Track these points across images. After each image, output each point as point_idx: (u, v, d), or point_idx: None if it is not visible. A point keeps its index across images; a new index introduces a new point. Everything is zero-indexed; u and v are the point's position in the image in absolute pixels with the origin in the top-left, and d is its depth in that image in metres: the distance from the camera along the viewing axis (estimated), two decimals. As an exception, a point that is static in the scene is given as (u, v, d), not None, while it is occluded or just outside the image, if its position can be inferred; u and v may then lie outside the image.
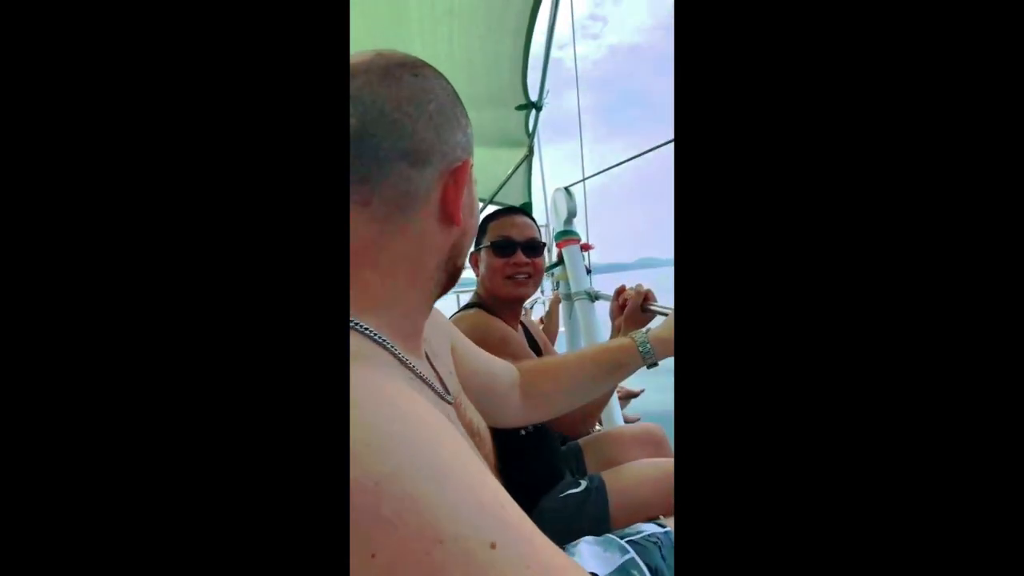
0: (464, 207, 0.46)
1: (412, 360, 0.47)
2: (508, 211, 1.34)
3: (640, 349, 0.78)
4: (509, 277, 1.24)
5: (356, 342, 0.40)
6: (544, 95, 2.17)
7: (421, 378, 0.48)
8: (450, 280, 0.50)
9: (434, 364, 0.56)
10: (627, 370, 0.80)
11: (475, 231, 0.51)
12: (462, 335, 0.74)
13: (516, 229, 1.27)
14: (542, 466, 1.24)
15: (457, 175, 0.44)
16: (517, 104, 2.16)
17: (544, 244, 1.33)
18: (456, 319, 1.23)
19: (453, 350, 0.68)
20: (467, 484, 0.30)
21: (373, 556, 0.26)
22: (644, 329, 0.81)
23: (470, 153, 0.46)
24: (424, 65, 0.44)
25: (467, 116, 0.47)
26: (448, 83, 0.46)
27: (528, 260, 1.25)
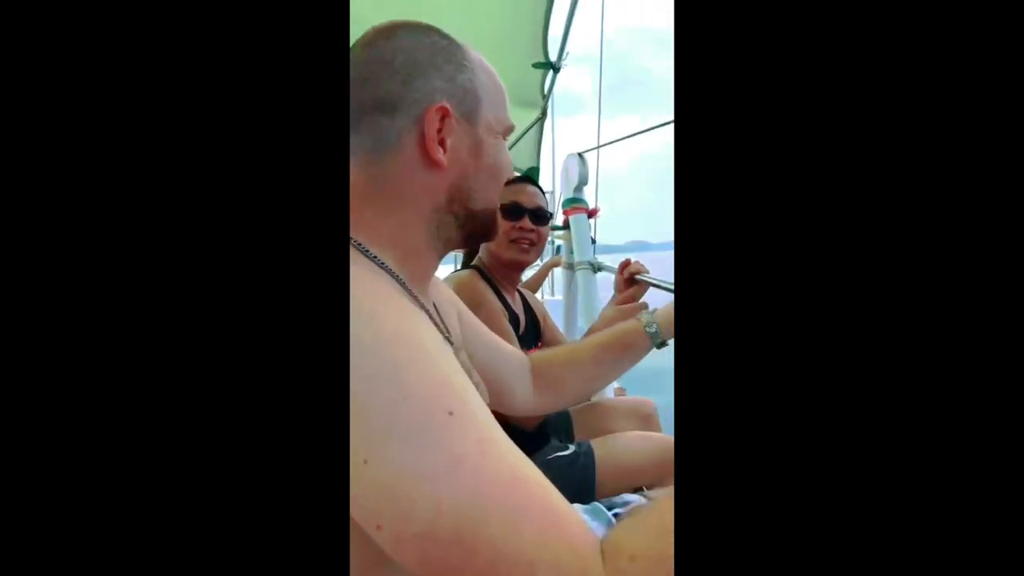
0: (458, 148, 0.48)
1: (416, 292, 0.50)
2: (519, 180, 1.36)
3: (647, 330, 0.77)
4: (514, 241, 1.26)
5: (363, 266, 0.45)
6: (564, 56, 2.10)
7: (425, 310, 0.50)
8: (465, 226, 0.51)
9: (437, 308, 0.58)
10: (637, 351, 0.79)
11: (490, 173, 0.51)
12: (468, 310, 0.74)
13: (526, 196, 1.29)
14: (531, 428, 1.26)
15: (429, 118, 0.46)
16: (535, 62, 2.08)
17: (551, 215, 1.35)
18: (448, 277, 1.25)
19: (461, 322, 0.69)
20: (437, 362, 0.36)
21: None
22: (651, 309, 0.81)
23: (462, 96, 0.48)
24: (400, 27, 0.49)
25: (459, 63, 0.49)
26: (431, 38, 0.49)
27: (534, 227, 1.28)
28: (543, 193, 1.35)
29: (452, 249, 0.54)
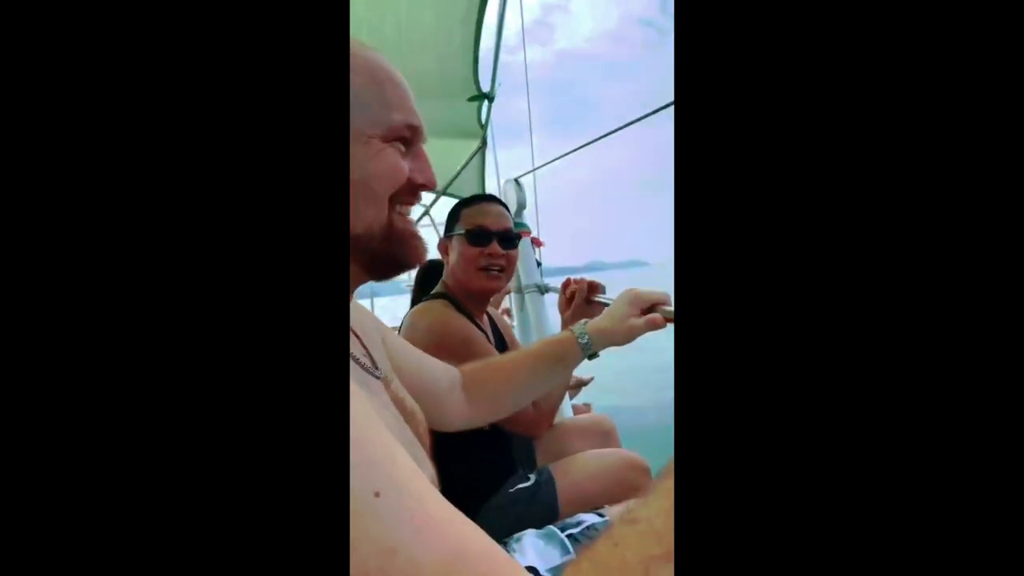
0: None
1: None
2: (482, 199, 1.26)
3: (579, 341, 0.77)
4: (483, 269, 1.17)
5: None
6: (495, 85, 2.15)
7: (354, 337, 0.48)
8: (359, 255, 0.45)
9: (361, 339, 0.55)
10: (569, 363, 0.80)
11: (362, 187, 0.44)
12: (393, 332, 0.73)
13: (491, 218, 1.19)
14: (499, 459, 1.23)
15: None
16: (469, 96, 2.13)
17: (519, 236, 1.28)
18: (418, 310, 1.18)
19: (386, 345, 0.67)
20: (359, 439, 0.32)
21: None
22: (583, 321, 0.81)
23: None
24: None
25: None
26: None
27: (503, 252, 1.19)
28: (508, 212, 1.26)
29: (362, 281, 0.49)
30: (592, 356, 0.79)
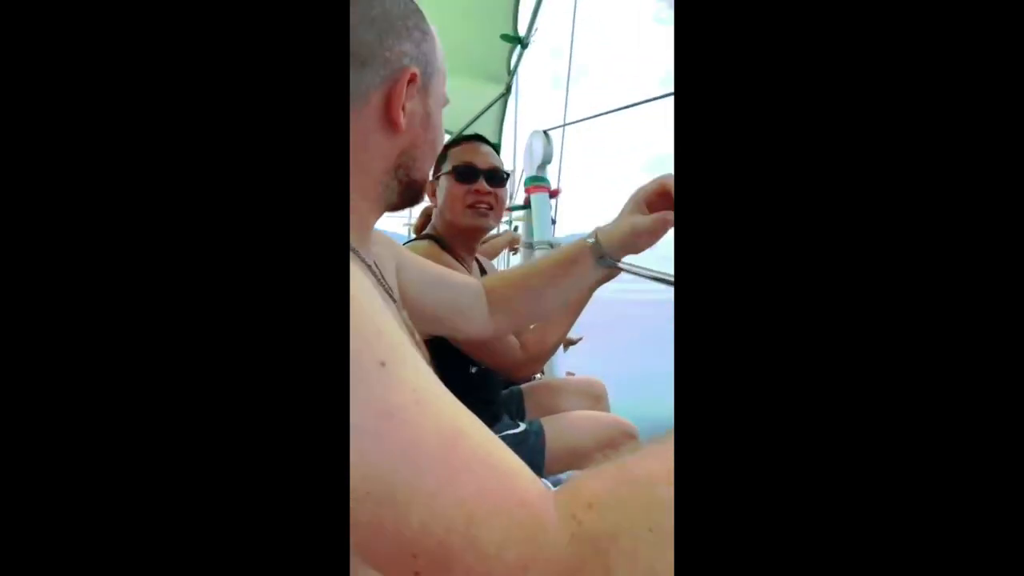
0: (413, 116, 0.49)
1: (359, 249, 0.50)
2: (470, 138, 1.26)
3: (587, 240, 0.75)
4: (470, 206, 1.16)
5: None
6: (532, 31, 2.07)
7: (367, 265, 0.51)
8: (404, 193, 0.52)
9: (379, 270, 0.58)
10: (581, 264, 0.76)
11: (431, 146, 0.52)
12: (412, 254, 0.74)
13: (479, 156, 1.18)
14: (483, 406, 1.25)
15: (399, 81, 0.47)
16: (502, 33, 2.04)
17: (508, 175, 1.27)
18: (406, 247, 1.18)
19: (402, 269, 0.70)
20: (367, 316, 0.34)
21: None
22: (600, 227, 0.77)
23: (424, 66, 0.49)
24: None
25: (424, 31, 0.50)
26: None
27: (491, 190, 1.17)
28: (497, 152, 1.24)
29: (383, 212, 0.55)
30: (602, 259, 0.74)
